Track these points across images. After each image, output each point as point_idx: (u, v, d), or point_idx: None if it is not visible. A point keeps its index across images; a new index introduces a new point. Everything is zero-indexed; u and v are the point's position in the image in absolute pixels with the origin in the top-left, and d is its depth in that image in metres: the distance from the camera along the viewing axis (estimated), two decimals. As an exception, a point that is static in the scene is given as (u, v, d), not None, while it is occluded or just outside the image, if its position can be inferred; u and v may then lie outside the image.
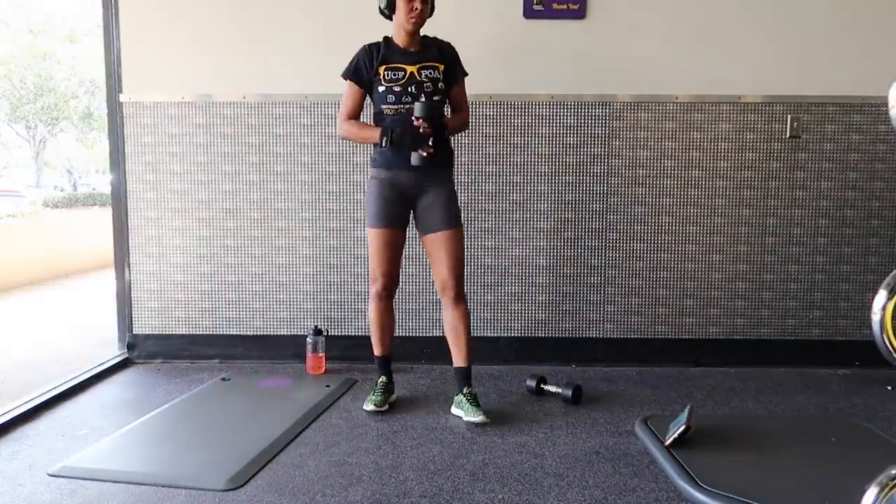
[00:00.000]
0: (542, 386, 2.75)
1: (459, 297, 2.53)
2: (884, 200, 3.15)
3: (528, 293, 3.20)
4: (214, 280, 3.24)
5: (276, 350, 3.24)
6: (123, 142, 3.20)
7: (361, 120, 2.66)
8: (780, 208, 3.16)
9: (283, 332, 3.25)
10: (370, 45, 2.57)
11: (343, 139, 2.76)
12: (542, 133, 3.13)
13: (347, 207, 3.20)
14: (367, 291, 3.20)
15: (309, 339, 3.06)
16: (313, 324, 3.14)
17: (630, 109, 3.12)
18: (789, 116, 3.11)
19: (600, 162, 3.15)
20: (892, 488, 1.32)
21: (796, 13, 3.08)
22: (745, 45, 3.08)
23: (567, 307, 3.21)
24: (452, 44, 2.62)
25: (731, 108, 3.12)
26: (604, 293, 3.21)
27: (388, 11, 2.54)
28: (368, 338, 3.21)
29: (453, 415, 2.53)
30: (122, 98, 3.18)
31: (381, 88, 2.50)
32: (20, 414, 2.48)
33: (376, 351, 2.68)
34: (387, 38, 2.58)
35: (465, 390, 2.52)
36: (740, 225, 3.17)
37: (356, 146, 3.16)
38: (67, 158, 22.69)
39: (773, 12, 3.07)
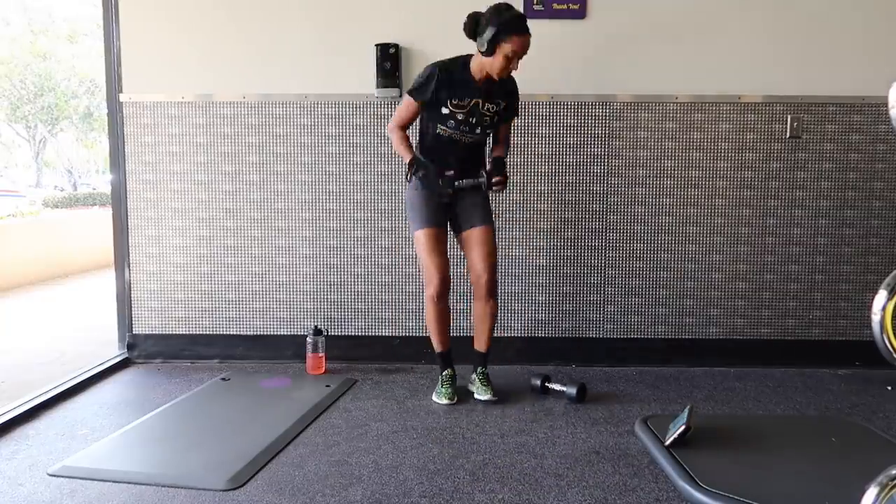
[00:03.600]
0: (546, 384, 2.75)
1: (492, 291, 2.67)
2: (884, 200, 3.15)
3: (528, 293, 3.20)
4: (214, 280, 3.24)
5: (276, 350, 3.24)
6: (123, 142, 3.20)
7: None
8: (780, 208, 3.16)
9: (283, 332, 3.25)
10: (444, 68, 2.55)
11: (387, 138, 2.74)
12: (542, 133, 3.13)
13: (347, 207, 3.20)
14: (367, 291, 3.22)
15: (309, 339, 3.06)
16: (313, 324, 3.14)
17: (630, 109, 3.12)
18: (789, 116, 3.11)
19: (600, 162, 3.15)
20: (892, 488, 1.32)
21: (796, 13, 3.07)
22: (745, 45, 3.08)
23: (567, 307, 3.21)
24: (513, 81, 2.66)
25: (731, 108, 3.12)
26: (604, 293, 3.21)
27: (486, 53, 2.46)
28: (368, 337, 3.24)
29: (467, 390, 2.76)
30: (122, 98, 3.18)
31: (444, 111, 2.56)
32: (20, 414, 2.48)
33: (437, 348, 2.75)
34: (464, 62, 2.56)
35: (478, 370, 2.73)
36: (740, 225, 3.17)
37: (356, 147, 3.16)
38: (67, 158, 22.68)
39: (773, 12, 3.07)
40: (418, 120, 2.68)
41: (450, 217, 2.71)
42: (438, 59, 2.60)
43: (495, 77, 2.51)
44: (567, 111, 3.13)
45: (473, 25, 2.48)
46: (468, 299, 3.13)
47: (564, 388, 2.68)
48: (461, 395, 2.72)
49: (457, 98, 2.55)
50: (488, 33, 2.41)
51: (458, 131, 2.58)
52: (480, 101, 2.57)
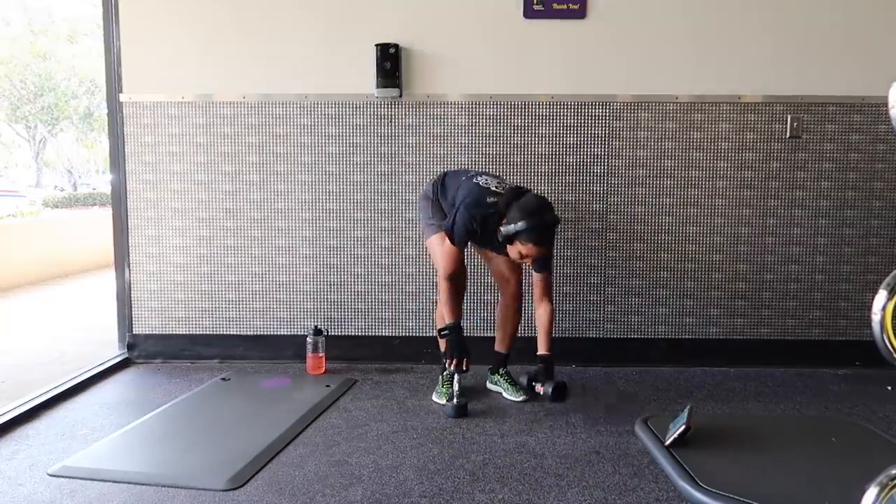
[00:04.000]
0: (532, 383, 2.59)
1: (520, 294, 2.73)
2: (884, 200, 3.15)
3: (528, 293, 3.19)
4: (214, 280, 3.24)
5: (276, 350, 3.24)
6: (123, 142, 3.20)
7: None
8: (780, 208, 3.16)
9: (283, 332, 3.25)
10: (481, 222, 2.47)
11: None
12: (542, 133, 3.13)
13: (347, 207, 3.20)
14: (367, 291, 3.22)
15: (309, 339, 3.06)
16: (313, 324, 3.14)
17: (630, 109, 3.12)
18: (789, 116, 3.11)
19: (600, 162, 3.15)
20: (892, 488, 1.32)
21: (796, 13, 3.07)
22: (745, 45, 3.08)
23: (567, 307, 3.21)
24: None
25: (731, 108, 3.12)
26: (604, 293, 3.21)
27: (503, 238, 2.43)
28: (368, 337, 3.24)
29: (491, 390, 2.82)
30: (122, 98, 3.18)
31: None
32: (20, 414, 2.48)
33: (449, 318, 2.56)
34: (497, 220, 2.46)
35: (501, 371, 2.81)
36: (740, 225, 3.17)
37: (356, 147, 3.16)
38: (67, 158, 22.68)
39: (773, 12, 3.07)
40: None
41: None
42: (474, 205, 2.46)
43: (508, 260, 2.60)
44: (567, 111, 3.13)
45: (511, 197, 2.43)
46: (483, 307, 3.14)
47: (543, 390, 2.51)
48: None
49: (487, 246, 2.69)
50: (513, 227, 2.36)
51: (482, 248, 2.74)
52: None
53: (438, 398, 2.69)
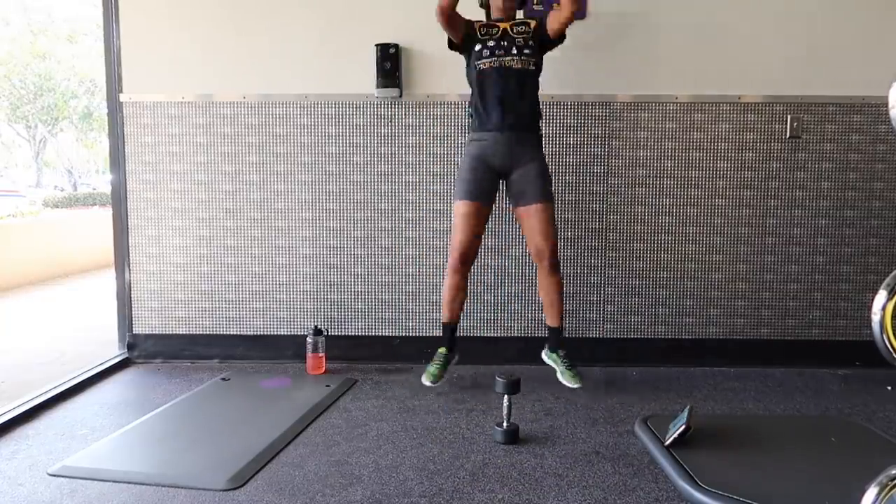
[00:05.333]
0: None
1: (554, 266, 2.73)
2: (884, 200, 3.15)
3: (528, 293, 3.20)
4: (214, 280, 3.25)
5: (276, 350, 3.24)
6: (123, 142, 3.20)
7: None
8: (780, 208, 3.16)
9: (283, 332, 3.25)
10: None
11: (440, 7, 2.64)
12: (542, 133, 3.12)
13: (347, 207, 3.20)
14: (367, 291, 3.22)
15: (309, 339, 3.06)
16: (313, 324, 3.14)
17: (630, 109, 3.12)
18: (789, 116, 3.11)
19: (600, 162, 3.15)
20: (892, 488, 1.32)
21: (797, 13, 3.07)
22: (745, 45, 3.08)
23: (567, 307, 3.20)
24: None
25: (731, 108, 3.12)
26: (604, 293, 3.21)
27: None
28: (368, 337, 3.24)
29: (545, 363, 2.85)
30: (122, 98, 3.18)
31: (477, 47, 2.70)
32: (20, 414, 2.48)
33: (444, 318, 2.83)
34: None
35: (560, 352, 2.81)
36: (740, 225, 3.17)
37: (356, 147, 3.16)
38: (67, 158, 22.68)
39: (773, 12, 3.07)
40: (468, 81, 2.78)
41: (506, 187, 2.76)
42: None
43: (500, 4, 2.72)
44: (567, 111, 3.13)
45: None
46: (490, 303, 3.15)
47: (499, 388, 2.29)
48: (472, 388, 2.72)
49: (484, 30, 2.72)
50: None
51: (494, 57, 2.66)
52: (508, 28, 2.70)
53: (425, 377, 2.76)
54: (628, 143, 3.14)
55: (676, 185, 3.15)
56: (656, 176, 3.15)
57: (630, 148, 3.14)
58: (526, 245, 2.80)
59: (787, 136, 3.12)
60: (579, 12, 3.05)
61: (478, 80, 2.71)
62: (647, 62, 3.10)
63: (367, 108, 3.15)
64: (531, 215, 2.69)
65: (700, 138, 3.13)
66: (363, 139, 3.16)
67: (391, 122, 3.15)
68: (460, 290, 2.80)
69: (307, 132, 3.17)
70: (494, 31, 2.71)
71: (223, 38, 3.15)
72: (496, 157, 2.70)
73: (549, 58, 3.08)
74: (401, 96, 3.12)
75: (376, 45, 3.08)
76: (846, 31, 3.07)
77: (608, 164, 3.15)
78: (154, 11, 3.14)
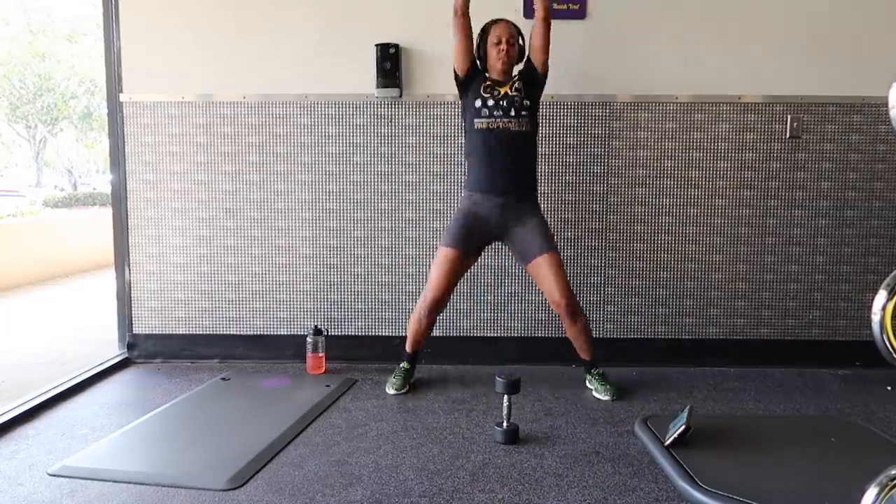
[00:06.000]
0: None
1: (575, 313, 2.71)
2: (884, 200, 3.15)
3: (528, 293, 3.20)
4: (214, 280, 3.24)
5: (276, 350, 3.24)
6: (123, 142, 3.20)
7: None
8: (780, 208, 3.16)
9: (283, 332, 3.25)
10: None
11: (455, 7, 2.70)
12: (542, 133, 3.12)
13: (347, 207, 3.20)
14: (367, 291, 3.22)
15: (309, 339, 3.06)
16: (313, 324, 3.14)
17: (630, 109, 3.12)
18: (789, 116, 3.11)
19: (600, 162, 3.15)
20: (892, 488, 1.33)
21: (796, 13, 3.08)
22: (745, 45, 3.08)
23: (567, 307, 3.21)
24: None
25: (731, 108, 3.12)
26: (604, 293, 3.21)
27: (482, 58, 2.76)
28: (368, 337, 3.24)
29: (587, 388, 2.84)
30: (122, 98, 3.18)
31: (477, 103, 2.71)
32: (20, 414, 2.48)
33: (408, 347, 2.88)
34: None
35: (593, 371, 2.82)
36: (740, 225, 3.17)
37: (356, 147, 3.16)
38: (67, 158, 22.67)
39: (773, 12, 3.07)
40: (463, 127, 2.80)
41: (511, 248, 2.79)
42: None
43: (500, 68, 2.71)
44: (567, 111, 3.13)
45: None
46: (470, 310, 3.15)
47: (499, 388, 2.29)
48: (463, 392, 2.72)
49: (486, 91, 2.72)
50: (477, 39, 2.74)
51: (493, 118, 2.67)
52: (508, 90, 2.71)
53: (388, 388, 2.80)
54: (628, 143, 3.14)
55: (676, 185, 3.15)
56: (656, 176, 3.15)
57: (630, 148, 3.14)
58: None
59: (787, 136, 3.12)
60: (580, 12, 3.06)
61: (475, 137, 2.71)
62: (647, 62, 3.10)
63: (367, 108, 3.15)
64: (540, 268, 2.68)
65: (700, 138, 3.13)
66: (363, 139, 3.16)
67: (391, 122, 3.15)
68: (427, 331, 2.84)
69: (307, 132, 3.17)
70: (497, 92, 2.70)
71: (223, 38, 3.15)
72: (492, 218, 2.70)
73: (549, 57, 3.08)
74: (401, 96, 3.12)
75: (376, 45, 3.08)
76: (846, 31, 3.07)
77: (608, 164, 3.15)
78: (154, 11, 3.14)
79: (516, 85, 2.72)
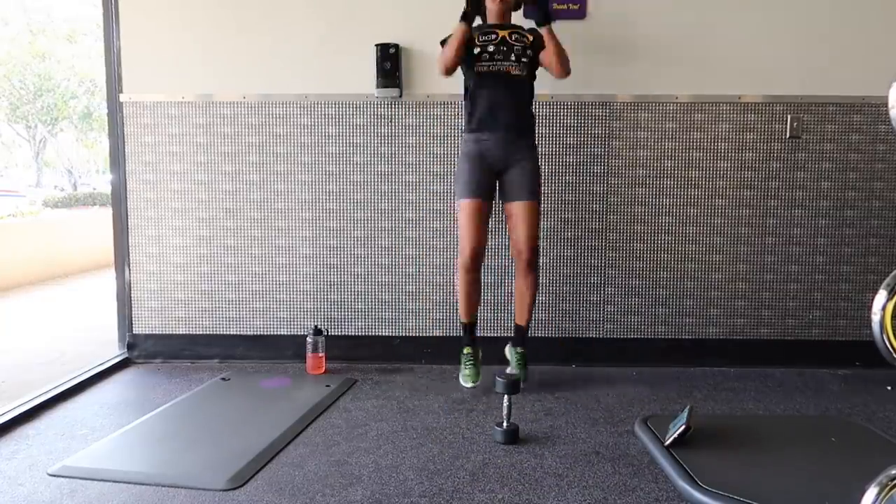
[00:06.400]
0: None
1: (531, 265, 2.78)
2: (884, 200, 3.15)
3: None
4: (214, 280, 3.25)
5: (276, 350, 3.24)
6: (123, 142, 3.20)
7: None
8: (780, 208, 3.16)
9: (283, 332, 3.25)
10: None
11: (444, 67, 2.74)
12: (542, 133, 3.13)
13: (347, 207, 3.20)
14: (367, 291, 3.22)
15: (309, 339, 3.06)
16: (313, 324, 3.14)
17: (630, 109, 3.12)
18: (789, 116, 3.11)
19: (600, 162, 3.15)
20: (892, 488, 1.32)
21: (796, 13, 3.07)
22: (745, 45, 3.08)
23: (567, 307, 3.21)
24: None
25: (731, 108, 3.12)
26: (604, 293, 3.21)
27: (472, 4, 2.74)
28: (368, 337, 3.24)
29: (506, 356, 2.95)
30: (122, 98, 3.18)
31: (475, 50, 2.74)
32: (20, 414, 2.48)
33: (462, 318, 2.88)
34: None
35: (518, 349, 2.87)
36: (740, 225, 3.17)
37: (356, 147, 3.16)
38: (67, 158, 22.67)
39: (773, 13, 3.07)
40: (464, 80, 2.83)
41: (499, 184, 2.80)
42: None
43: (496, 10, 2.76)
44: (567, 111, 3.13)
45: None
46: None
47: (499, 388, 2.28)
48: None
49: (483, 36, 2.75)
50: None
51: (494, 62, 2.71)
52: (507, 35, 2.75)
53: (463, 381, 2.83)
54: (628, 143, 3.14)
55: (676, 185, 3.15)
56: (656, 176, 3.15)
57: (630, 148, 3.14)
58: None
59: (787, 136, 3.12)
60: (580, 12, 3.06)
61: (476, 81, 2.75)
62: (647, 62, 3.10)
63: (367, 108, 3.15)
64: (518, 212, 2.75)
65: (700, 138, 3.13)
66: (363, 139, 3.16)
67: (391, 122, 3.15)
68: (476, 285, 2.85)
69: (307, 132, 3.18)
70: (493, 36, 2.75)
71: (223, 38, 3.15)
72: (493, 154, 2.74)
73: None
74: (401, 96, 3.12)
75: (376, 45, 3.08)
76: (846, 31, 3.07)
77: (608, 164, 3.15)
78: (154, 11, 3.14)
79: (516, 35, 2.76)
